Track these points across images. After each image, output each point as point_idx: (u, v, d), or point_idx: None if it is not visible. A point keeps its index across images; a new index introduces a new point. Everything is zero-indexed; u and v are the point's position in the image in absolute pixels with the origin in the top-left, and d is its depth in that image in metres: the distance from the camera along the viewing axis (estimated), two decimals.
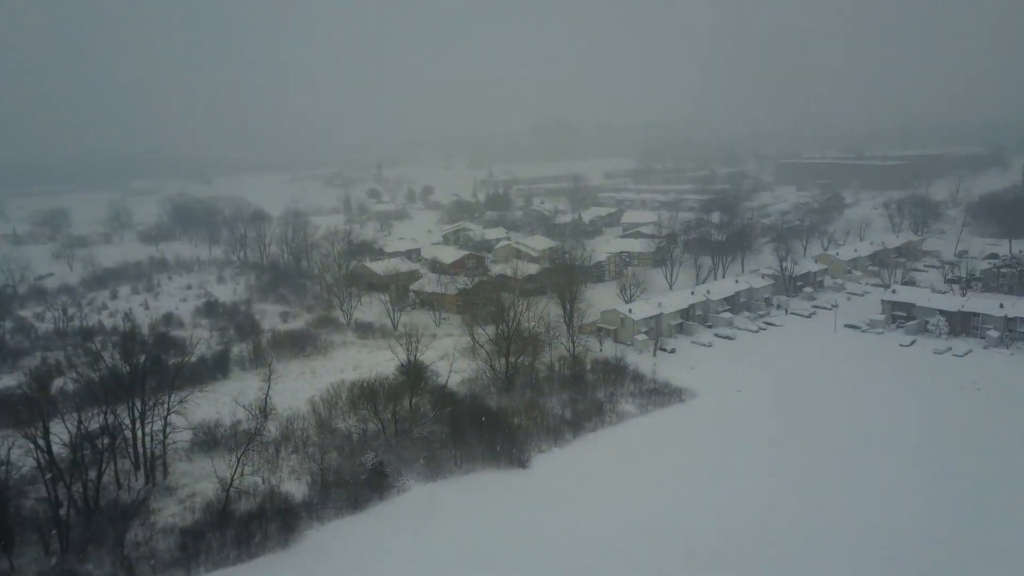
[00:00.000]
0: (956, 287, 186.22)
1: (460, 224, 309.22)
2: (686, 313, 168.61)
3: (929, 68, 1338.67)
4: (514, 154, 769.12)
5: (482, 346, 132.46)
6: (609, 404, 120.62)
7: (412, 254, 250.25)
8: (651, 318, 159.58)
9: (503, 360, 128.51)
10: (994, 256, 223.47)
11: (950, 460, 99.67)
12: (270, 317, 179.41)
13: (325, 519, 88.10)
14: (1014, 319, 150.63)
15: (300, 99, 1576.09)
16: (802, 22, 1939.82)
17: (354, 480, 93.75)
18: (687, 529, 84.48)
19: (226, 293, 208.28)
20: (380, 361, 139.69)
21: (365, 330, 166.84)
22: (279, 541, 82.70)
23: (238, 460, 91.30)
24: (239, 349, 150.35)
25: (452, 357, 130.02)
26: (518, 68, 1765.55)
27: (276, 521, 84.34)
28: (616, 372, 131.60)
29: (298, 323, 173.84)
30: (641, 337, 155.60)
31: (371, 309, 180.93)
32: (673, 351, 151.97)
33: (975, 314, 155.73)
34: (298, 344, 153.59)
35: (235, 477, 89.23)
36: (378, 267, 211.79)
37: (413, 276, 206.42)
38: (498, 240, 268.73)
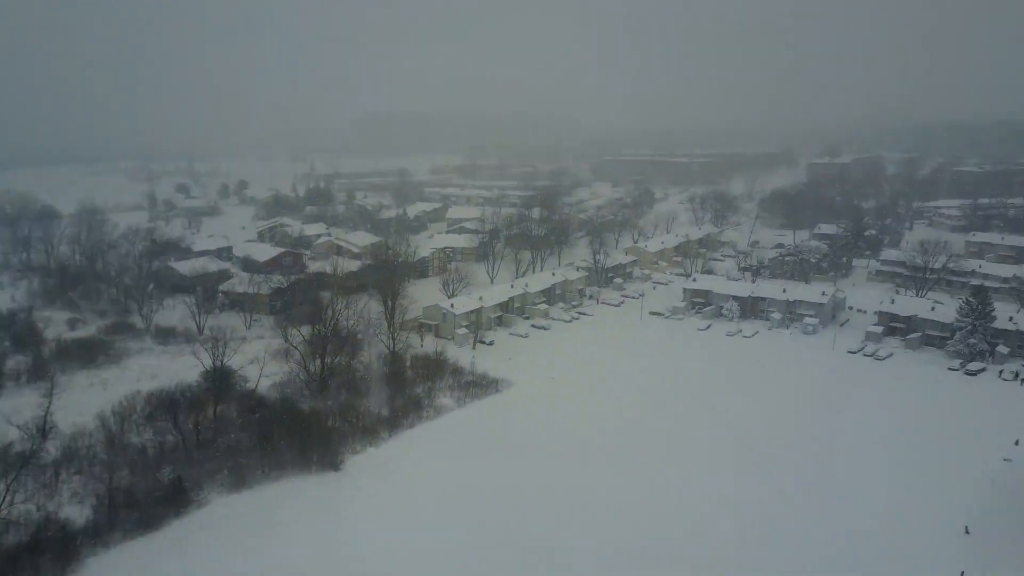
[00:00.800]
0: (748, 274, 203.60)
1: (277, 220, 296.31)
2: (505, 306, 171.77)
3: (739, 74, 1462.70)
4: (338, 148, 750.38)
5: (296, 348, 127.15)
6: (427, 399, 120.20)
7: (223, 252, 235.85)
8: (472, 312, 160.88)
9: (318, 361, 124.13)
10: (780, 246, 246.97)
11: (742, 434, 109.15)
12: (56, 325, 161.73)
13: (111, 544, 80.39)
14: (794, 302, 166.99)
15: (106, 80, 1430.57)
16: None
17: (148, 498, 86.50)
18: (511, 526, 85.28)
19: (2, 300, 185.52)
20: (183, 368, 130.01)
21: (166, 336, 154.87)
22: (54, 574, 74.37)
23: (7, 487, 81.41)
24: (15, 362, 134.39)
25: (263, 361, 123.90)
26: (351, 60, 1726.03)
27: (51, 552, 75.81)
28: (436, 367, 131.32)
29: (89, 330, 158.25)
30: (462, 331, 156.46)
31: (174, 313, 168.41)
32: (492, 343, 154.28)
33: (762, 299, 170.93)
34: (88, 353, 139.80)
35: (2, 507, 79.30)
36: (184, 267, 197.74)
37: (223, 276, 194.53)
38: (318, 236, 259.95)
